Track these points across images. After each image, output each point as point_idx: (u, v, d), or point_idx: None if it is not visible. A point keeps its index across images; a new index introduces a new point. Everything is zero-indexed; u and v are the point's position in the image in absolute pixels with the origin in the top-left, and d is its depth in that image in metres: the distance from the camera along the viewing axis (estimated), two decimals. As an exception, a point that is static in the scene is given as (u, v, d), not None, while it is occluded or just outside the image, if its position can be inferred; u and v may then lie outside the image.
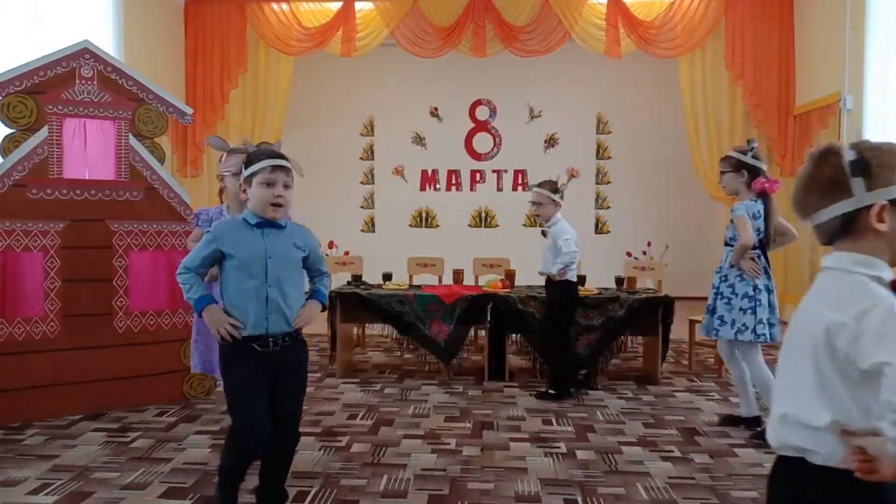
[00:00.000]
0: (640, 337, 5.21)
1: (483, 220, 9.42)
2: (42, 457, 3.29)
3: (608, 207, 9.44)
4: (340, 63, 8.49)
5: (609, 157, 9.41)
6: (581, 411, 4.16)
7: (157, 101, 4.22)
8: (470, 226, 9.50)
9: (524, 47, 7.73)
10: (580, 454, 3.40)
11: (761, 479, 3.10)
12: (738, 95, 7.64)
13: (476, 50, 7.77)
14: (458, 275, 5.49)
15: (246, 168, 2.41)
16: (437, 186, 9.47)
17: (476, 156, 9.50)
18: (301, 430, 3.71)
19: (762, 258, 3.66)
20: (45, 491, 2.90)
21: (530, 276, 5.86)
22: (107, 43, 6.21)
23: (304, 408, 4.14)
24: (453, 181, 9.46)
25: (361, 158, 9.60)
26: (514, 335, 4.94)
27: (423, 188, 9.57)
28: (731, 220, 3.67)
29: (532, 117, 9.49)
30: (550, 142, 9.49)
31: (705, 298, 3.86)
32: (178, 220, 4.22)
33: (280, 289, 2.36)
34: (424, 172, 9.55)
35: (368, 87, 9.36)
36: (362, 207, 9.62)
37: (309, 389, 4.68)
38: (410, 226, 9.62)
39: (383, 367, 5.35)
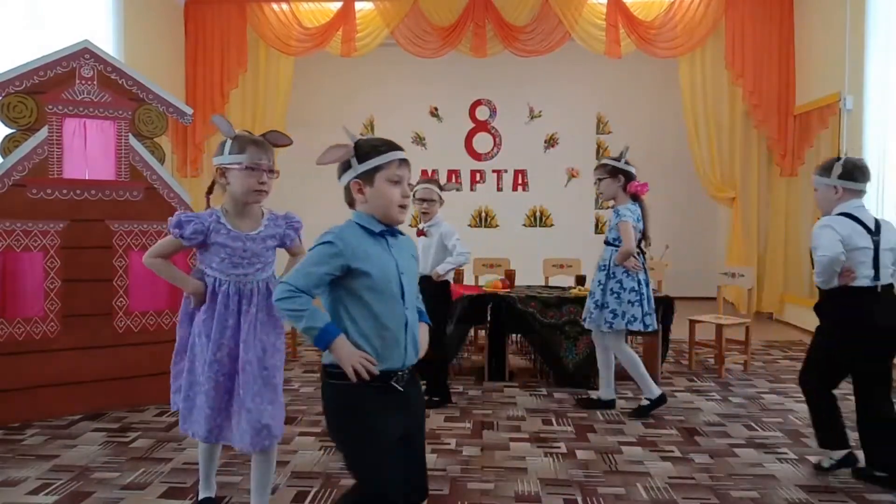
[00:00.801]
0: (640, 337, 5.21)
1: (483, 220, 9.43)
2: (42, 457, 3.29)
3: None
4: (340, 63, 8.49)
5: (609, 158, 9.40)
6: (581, 411, 4.16)
7: (157, 101, 4.22)
8: (470, 226, 9.50)
9: (524, 47, 7.73)
10: (580, 454, 3.40)
11: (761, 479, 3.11)
12: (738, 95, 7.64)
13: (476, 50, 7.77)
14: (458, 275, 5.49)
15: (361, 162, 1.88)
16: (437, 186, 9.47)
17: (476, 156, 9.50)
18: (301, 429, 3.74)
19: (641, 255, 4.08)
20: (45, 491, 2.90)
21: (530, 276, 5.87)
22: (107, 43, 6.21)
23: (304, 408, 4.16)
24: (453, 181, 9.46)
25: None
26: (514, 335, 4.94)
27: (422, 188, 9.56)
28: (617, 224, 4.01)
29: (532, 117, 9.50)
30: (550, 142, 9.49)
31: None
32: (178, 220, 4.22)
33: (413, 312, 1.93)
34: (424, 172, 9.52)
35: (368, 87, 9.36)
36: (362, 207, 9.61)
37: (308, 389, 4.68)
38: (410, 226, 9.61)
39: (383, 367, 5.33)
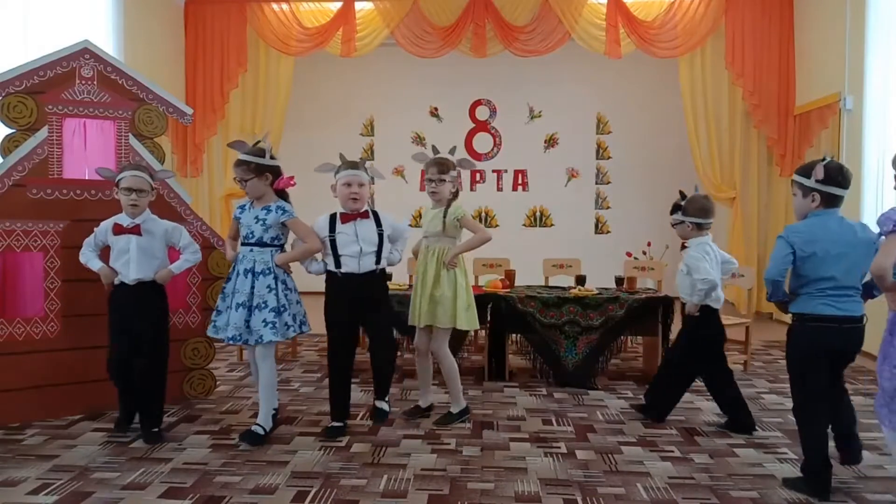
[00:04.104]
0: (639, 337, 5.21)
1: (483, 220, 9.42)
2: (42, 457, 3.30)
3: (608, 207, 9.44)
4: (340, 63, 8.49)
5: (609, 157, 9.41)
6: (581, 411, 4.16)
7: (157, 101, 4.22)
8: (470, 226, 9.50)
9: (524, 47, 7.73)
10: (580, 454, 3.40)
11: (761, 479, 3.11)
12: (738, 95, 7.64)
13: (476, 50, 7.77)
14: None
15: None
16: (437, 186, 9.47)
17: (476, 156, 9.50)
18: (301, 429, 3.74)
19: None
20: (45, 491, 2.90)
21: (530, 276, 5.87)
22: (107, 43, 6.21)
23: (303, 408, 4.16)
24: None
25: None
26: (514, 335, 4.94)
27: (423, 188, 9.51)
28: (286, 223, 3.71)
29: (532, 117, 9.50)
30: (550, 142, 9.49)
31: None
32: (178, 220, 4.21)
33: None
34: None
35: (368, 87, 9.37)
36: (362, 207, 9.61)
37: (309, 389, 4.69)
38: (410, 226, 9.60)
39: (383, 367, 5.33)
